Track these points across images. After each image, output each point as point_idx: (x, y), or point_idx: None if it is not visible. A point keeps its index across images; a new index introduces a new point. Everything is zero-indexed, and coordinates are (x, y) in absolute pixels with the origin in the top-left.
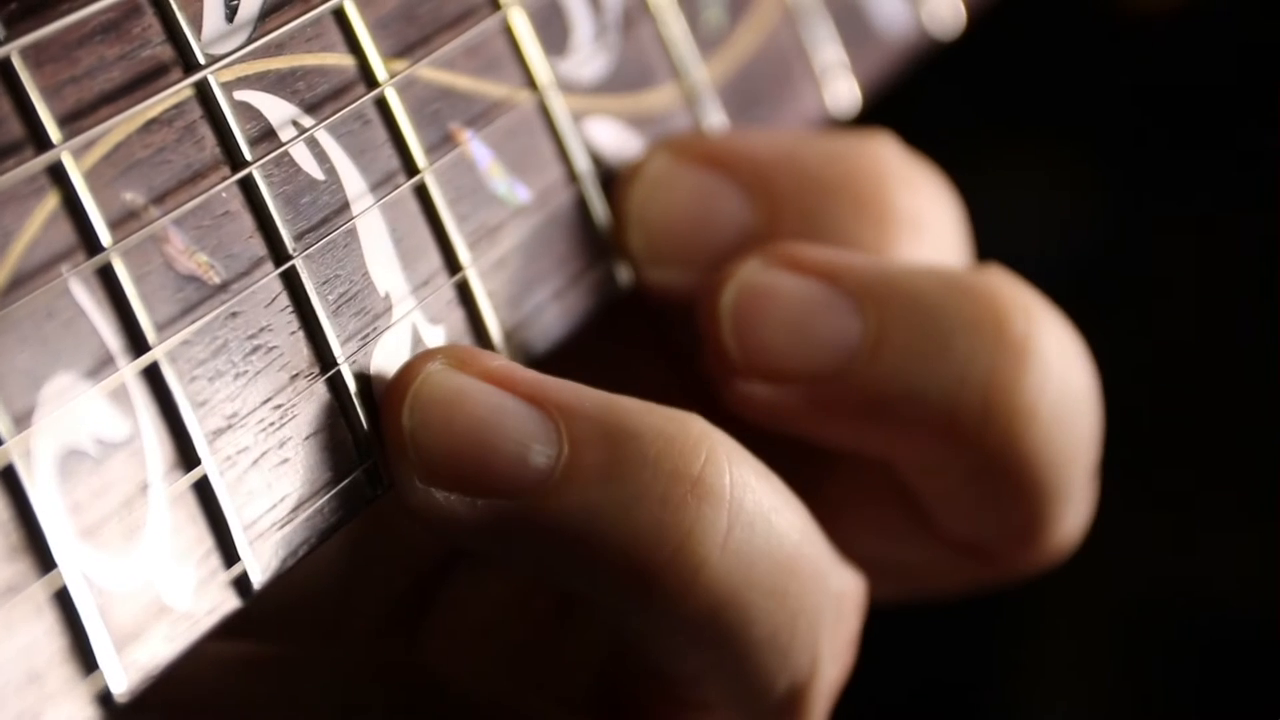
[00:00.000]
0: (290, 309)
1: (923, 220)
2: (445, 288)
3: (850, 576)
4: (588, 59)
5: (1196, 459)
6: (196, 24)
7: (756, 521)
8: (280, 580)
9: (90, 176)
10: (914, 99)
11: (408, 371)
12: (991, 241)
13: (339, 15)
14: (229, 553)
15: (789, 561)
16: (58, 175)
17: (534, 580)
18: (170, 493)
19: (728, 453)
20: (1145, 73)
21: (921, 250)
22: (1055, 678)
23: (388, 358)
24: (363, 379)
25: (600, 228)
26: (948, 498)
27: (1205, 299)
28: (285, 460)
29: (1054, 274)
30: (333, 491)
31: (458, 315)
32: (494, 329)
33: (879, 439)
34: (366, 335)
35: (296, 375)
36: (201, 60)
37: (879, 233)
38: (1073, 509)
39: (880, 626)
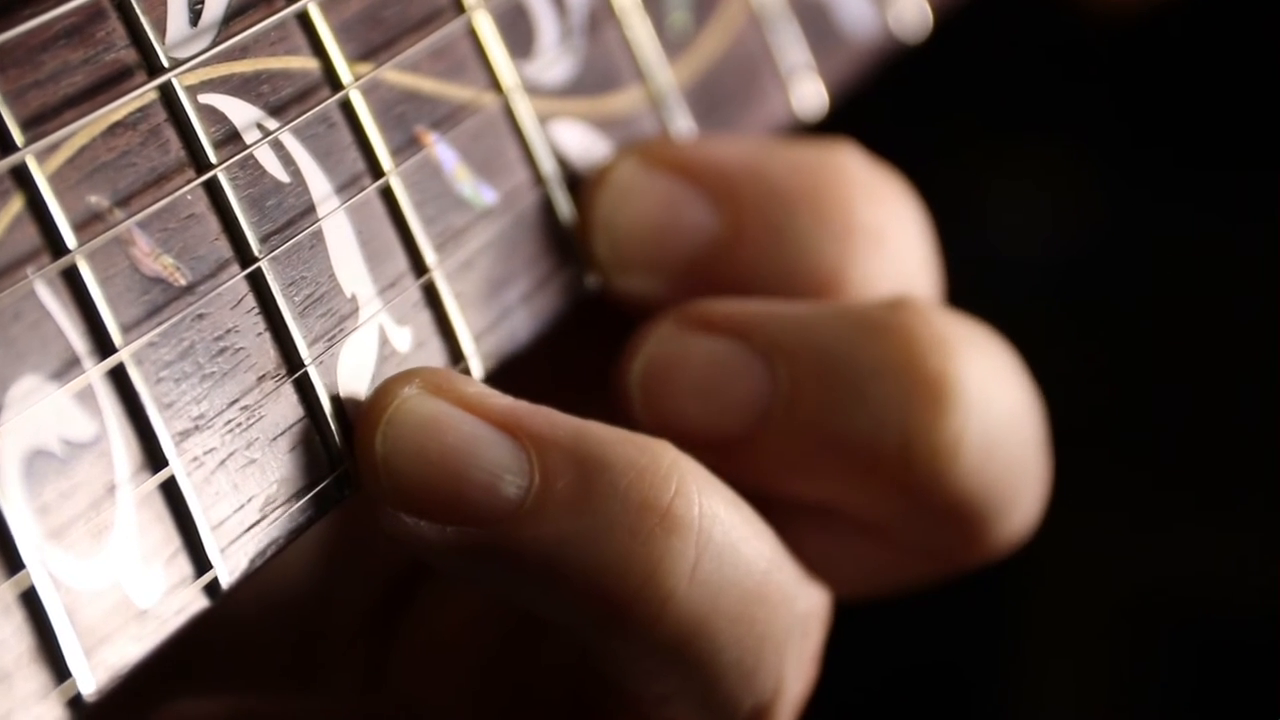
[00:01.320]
0: (257, 310)
1: (885, 233)
2: (412, 289)
3: (816, 595)
4: (553, 62)
5: (1196, 459)
6: (160, 28)
7: (725, 552)
8: (249, 581)
9: (55, 179)
10: (910, 101)
11: (381, 396)
12: (986, 243)
13: (303, 19)
14: (197, 554)
15: (756, 590)
16: (22, 178)
17: (501, 600)
18: (138, 494)
19: (697, 483)
20: (1142, 73)
21: (883, 262)
22: (1054, 677)
23: (355, 359)
24: (330, 380)
25: (567, 230)
26: (889, 525)
27: (1204, 299)
28: (253, 461)
29: (1051, 275)
30: (300, 492)
31: (425, 317)
32: (461, 330)
33: (804, 488)
34: (333, 336)
35: (264, 376)
36: (165, 64)
37: (841, 245)
38: (1020, 509)
39: (880, 626)
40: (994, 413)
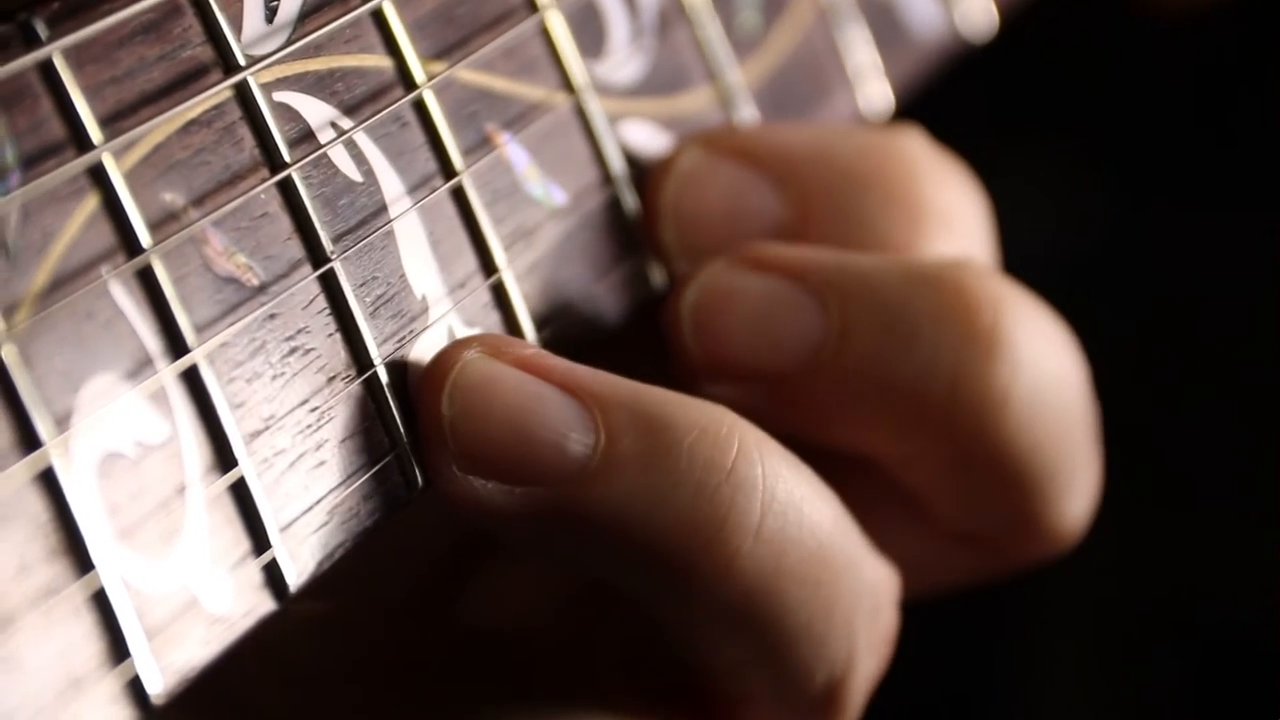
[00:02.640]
0: (328, 311)
1: (953, 215)
2: (481, 290)
3: (884, 569)
4: (624, 61)
5: (1196, 458)
6: (236, 25)
7: (789, 511)
8: (316, 583)
9: (130, 177)
10: (914, 102)
11: (445, 359)
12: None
13: (377, 16)
14: (266, 555)
15: (821, 550)
16: (98, 176)
17: (566, 567)
18: (208, 495)
19: (759, 444)
20: (1147, 72)
21: (950, 245)
22: (1054, 677)
23: (424, 360)
24: (400, 381)
25: (635, 230)
26: (933, 490)
27: (1207, 298)
28: (322, 463)
29: (1055, 272)
30: (368, 494)
31: (494, 318)
32: (529, 331)
33: (854, 433)
34: (403, 337)
35: (334, 377)
36: (241, 61)
37: (910, 227)
38: (1070, 493)
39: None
40: (1044, 373)
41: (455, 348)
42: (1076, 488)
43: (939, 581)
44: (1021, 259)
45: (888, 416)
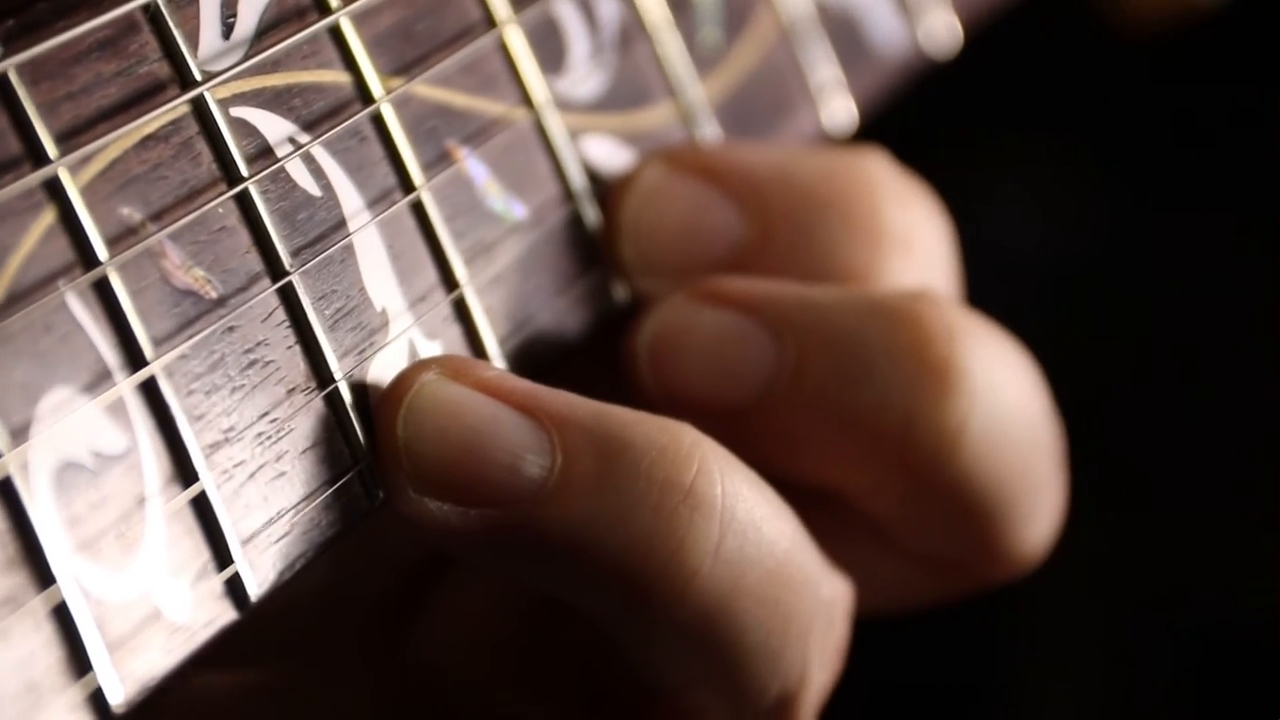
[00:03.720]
0: (287, 324)
1: (913, 239)
2: (442, 304)
3: (840, 583)
4: (584, 77)
5: (1196, 458)
6: (193, 41)
7: (748, 530)
8: (276, 592)
9: (87, 192)
10: (914, 102)
11: (402, 381)
12: (986, 243)
13: (335, 33)
14: (226, 566)
15: (779, 569)
16: (54, 190)
17: (523, 586)
18: (168, 506)
19: (719, 462)
20: (1144, 75)
21: (910, 268)
22: (1053, 678)
23: (385, 373)
24: (359, 394)
25: (596, 245)
26: (893, 518)
27: (1205, 299)
28: (282, 474)
29: (1052, 272)
30: (329, 504)
31: (454, 331)
32: (491, 345)
33: (808, 466)
34: (363, 350)
35: (293, 390)
36: (198, 77)
37: (869, 251)
38: (1031, 519)
39: (878, 626)
40: (1001, 404)
41: (414, 369)
42: (1038, 514)
43: (905, 601)
44: (1018, 259)
45: (844, 450)
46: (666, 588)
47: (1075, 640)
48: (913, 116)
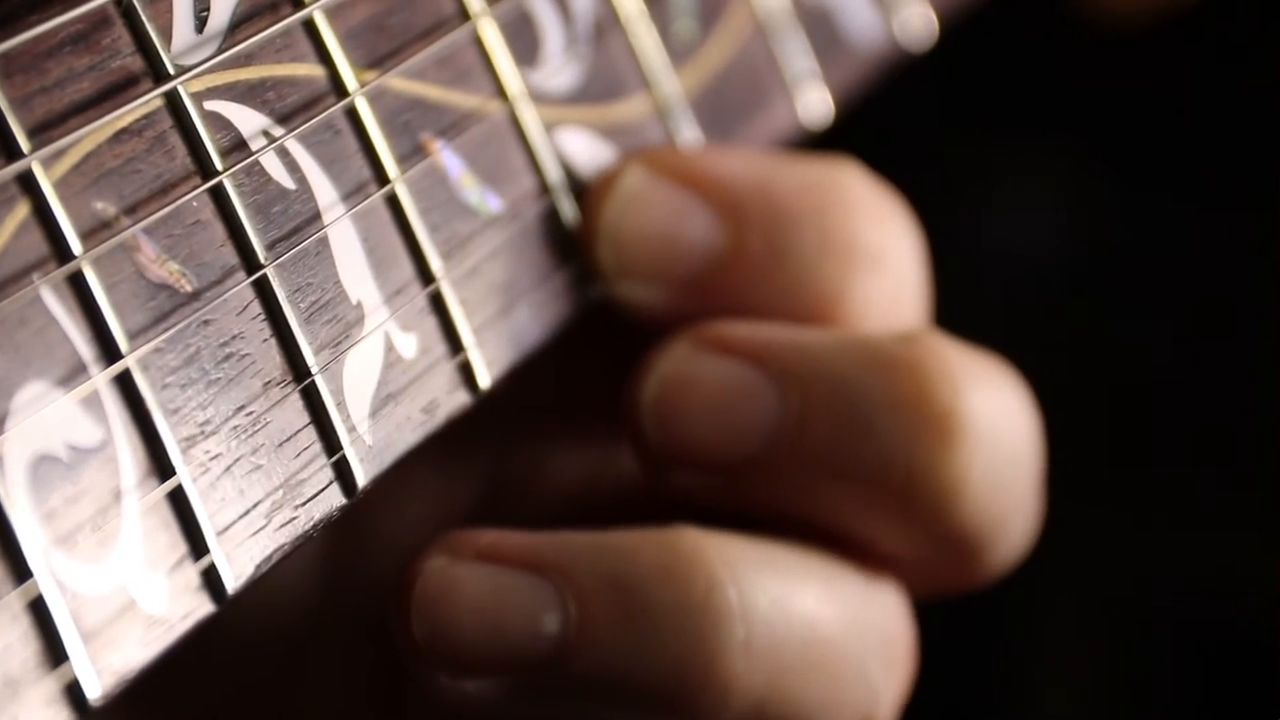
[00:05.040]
0: (262, 317)
1: (885, 255)
2: (418, 296)
3: (881, 598)
4: (559, 69)
5: (1196, 458)
6: (166, 35)
7: (773, 616)
8: (254, 586)
9: (60, 186)
10: (912, 101)
11: (407, 576)
12: (987, 243)
13: (309, 26)
14: (203, 559)
15: (815, 635)
16: (28, 184)
17: None
18: (144, 500)
19: (725, 561)
20: (1144, 74)
21: (881, 284)
22: (1054, 678)
23: (361, 366)
24: (335, 386)
25: (572, 238)
26: (884, 549)
27: (1205, 298)
28: (258, 467)
29: (1052, 275)
30: (305, 498)
31: (430, 323)
32: (467, 337)
33: (812, 512)
34: (339, 343)
35: (269, 383)
36: (171, 71)
37: (842, 269)
38: (1015, 537)
39: None
40: (1000, 450)
41: (417, 561)
42: (1021, 533)
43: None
44: (1021, 259)
45: (846, 500)
46: (710, 700)
47: (1075, 640)
48: (914, 116)
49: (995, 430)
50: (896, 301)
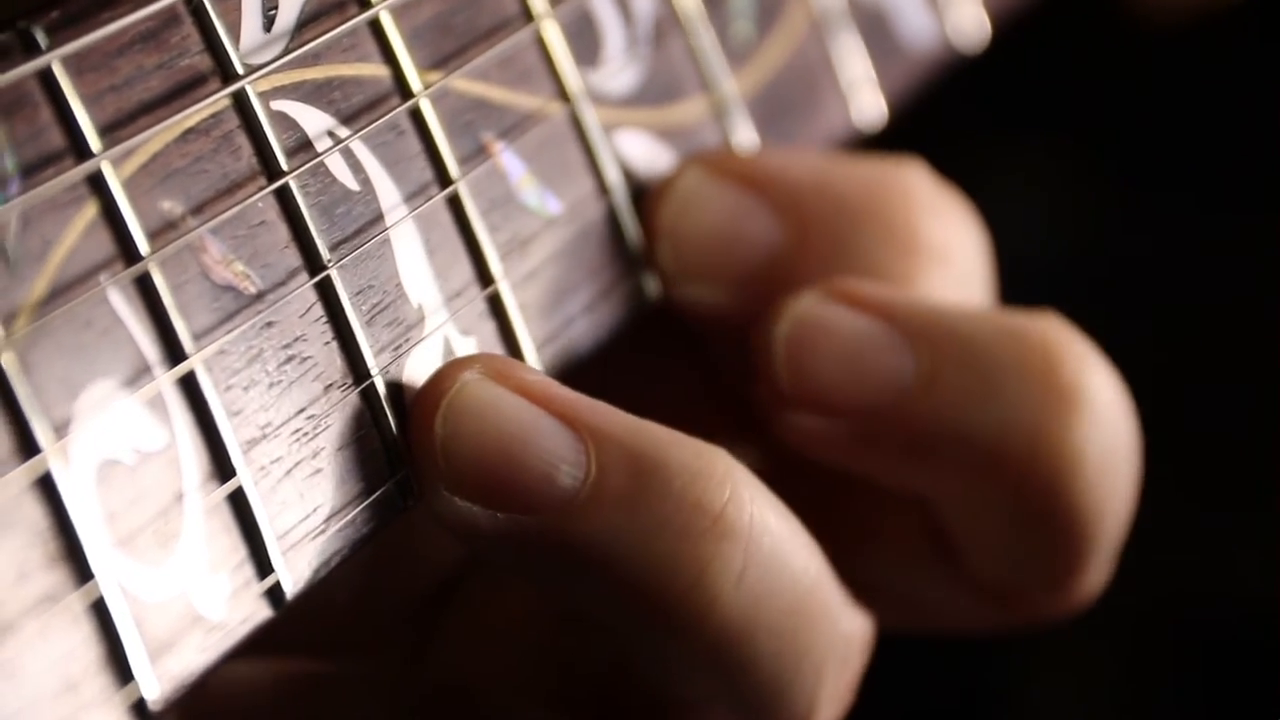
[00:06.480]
0: (324, 319)
1: (950, 251)
2: (477, 299)
3: (859, 620)
4: (619, 71)
5: (1196, 458)
6: (234, 34)
7: (772, 562)
8: (312, 590)
9: (129, 185)
10: (918, 102)
11: (443, 379)
12: (991, 243)
13: (375, 26)
14: (262, 563)
15: (799, 604)
16: (97, 184)
17: (546, 594)
18: (205, 502)
19: (750, 492)
20: (1148, 75)
21: (946, 281)
22: (1053, 678)
23: (420, 369)
24: (395, 390)
25: (630, 240)
26: (984, 538)
27: (1206, 299)
28: (318, 470)
29: (1054, 271)
30: (365, 502)
31: (489, 327)
32: (525, 341)
33: (924, 476)
34: (399, 346)
35: (330, 386)
36: (239, 70)
37: (906, 262)
38: (1102, 561)
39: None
40: (1115, 436)
41: (454, 367)
42: (1107, 556)
43: (944, 625)
44: (1020, 259)
45: (964, 463)
46: (687, 611)
47: (1076, 640)
48: (917, 117)
49: (1113, 415)
50: (962, 297)
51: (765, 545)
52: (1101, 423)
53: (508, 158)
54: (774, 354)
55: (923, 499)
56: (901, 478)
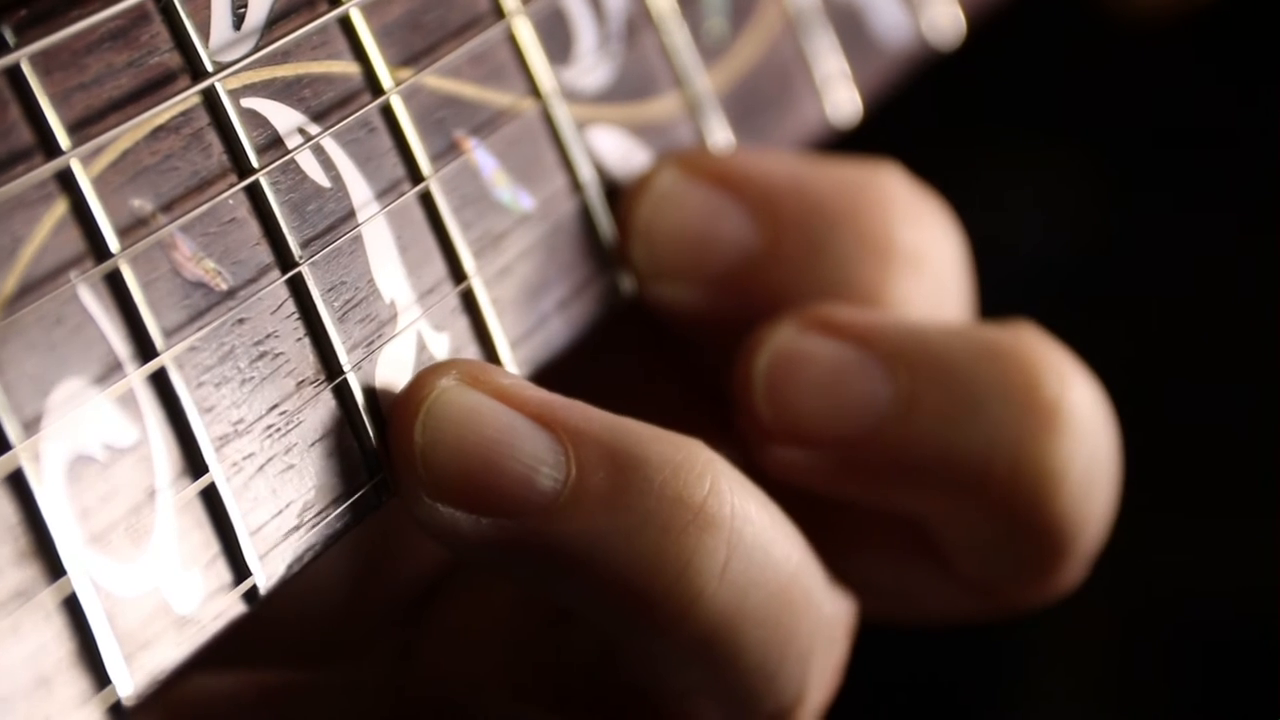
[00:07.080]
0: (296, 315)
1: (924, 258)
2: (450, 295)
3: (843, 604)
4: (591, 68)
5: (1195, 458)
6: (204, 31)
7: (754, 552)
8: (286, 586)
9: (98, 183)
10: (916, 100)
11: (419, 386)
12: (988, 242)
13: (345, 23)
14: (236, 559)
15: (783, 592)
16: (66, 182)
17: (531, 593)
18: (178, 499)
19: (730, 483)
20: (1143, 73)
21: (921, 286)
22: (1053, 678)
23: (393, 365)
24: (368, 386)
25: (604, 237)
26: (969, 546)
27: (1204, 299)
28: (291, 466)
29: (1052, 275)
30: (339, 497)
31: (462, 323)
32: (498, 337)
33: (908, 499)
34: (372, 343)
35: (302, 382)
36: (209, 67)
37: (880, 268)
38: (1084, 559)
39: (879, 626)
40: (1097, 448)
41: (432, 373)
42: (1091, 550)
43: (931, 615)
44: (1019, 258)
45: (947, 484)
46: (671, 605)
47: (1075, 640)
48: (915, 115)
49: (1093, 426)
50: (937, 304)
51: (747, 535)
52: (1083, 438)
53: (480, 154)
54: (754, 389)
55: (909, 516)
56: (887, 501)
